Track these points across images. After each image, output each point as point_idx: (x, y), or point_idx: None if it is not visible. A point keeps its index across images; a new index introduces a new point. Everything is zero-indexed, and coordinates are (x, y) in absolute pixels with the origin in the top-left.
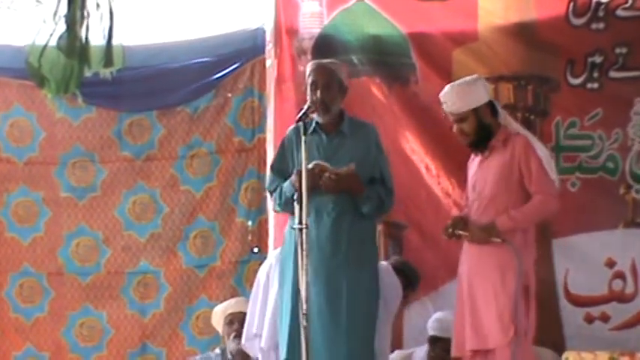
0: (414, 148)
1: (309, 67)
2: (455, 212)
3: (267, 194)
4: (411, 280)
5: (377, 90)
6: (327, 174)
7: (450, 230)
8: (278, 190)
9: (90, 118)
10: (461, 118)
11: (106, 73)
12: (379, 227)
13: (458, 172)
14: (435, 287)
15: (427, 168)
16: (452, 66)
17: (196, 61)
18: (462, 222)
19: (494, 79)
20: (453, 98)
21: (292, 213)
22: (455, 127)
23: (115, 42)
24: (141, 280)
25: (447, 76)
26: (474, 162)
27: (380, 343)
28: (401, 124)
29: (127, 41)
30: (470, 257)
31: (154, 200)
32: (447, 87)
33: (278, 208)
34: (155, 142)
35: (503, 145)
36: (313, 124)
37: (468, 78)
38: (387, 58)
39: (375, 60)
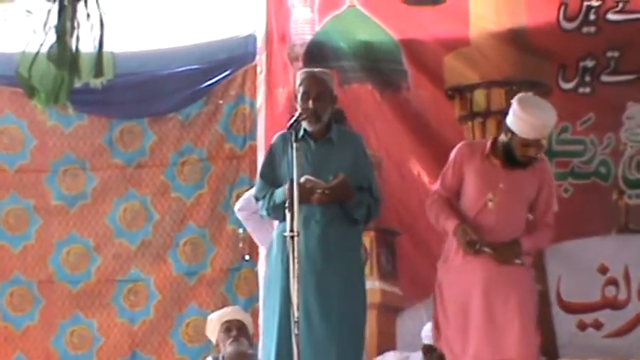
0: (406, 154)
1: (300, 76)
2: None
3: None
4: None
5: (369, 96)
6: (319, 191)
7: (478, 247)
8: (267, 197)
9: (81, 126)
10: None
11: (96, 83)
12: (371, 234)
13: None
14: (428, 294)
15: (419, 175)
16: (443, 72)
17: (187, 68)
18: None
19: (486, 85)
20: (552, 122)
21: (280, 219)
22: (533, 151)
23: (105, 49)
24: (131, 288)
25: (439, 82)
26: (477, 160)
27: None
28: (393, 131)
29: (117, 48)
30: (484, 271)
31: (145, 207)
32: (545, 113)
33: (265, 214)
34: (146, 149)
35: (534, 171)
36: (302, 132)
37: (537, 98)
38: (378, 65)
39: (366, 66)
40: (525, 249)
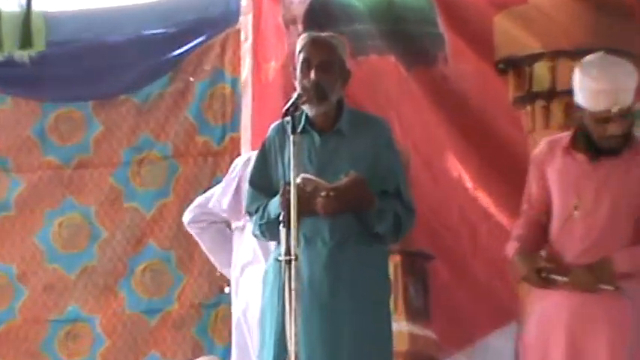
0: (441, 149)
1: (300, 42)
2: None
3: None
4: None
5: (392, 71)
6: (323, 193)
7: (545, 275)
8: (261, 210)
9: (3, 112)
10: (626, 112)
11: (23, 55)
12: (396, 259)
13: (501, 184)
14: (471, 340)
15: (460, 178)
16: (493, 38)
17: (147, 33)
18: (555, 262)
19: (550, 55)
20: (629, 83)
21: (278, 240)
22: (613, 127)
23: (34, 9)
24: (70, 331)
25: (487, 52)
26: (557, 159)
27: None
28: (424, 118)
29: (51, 8)
30: (569, 303)
31: (88, 222)
32: (614, 71)
33: (258, 233)
34: (90, 143)
35: (632, 157)
36: (303, 120)
37: (604, 56)
38: (405, 29)
39: (389, 31)
40: (622, 269)
